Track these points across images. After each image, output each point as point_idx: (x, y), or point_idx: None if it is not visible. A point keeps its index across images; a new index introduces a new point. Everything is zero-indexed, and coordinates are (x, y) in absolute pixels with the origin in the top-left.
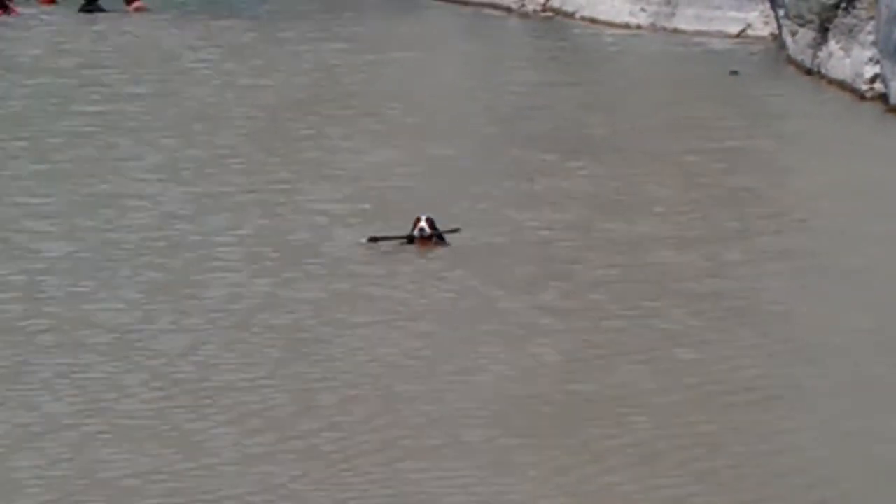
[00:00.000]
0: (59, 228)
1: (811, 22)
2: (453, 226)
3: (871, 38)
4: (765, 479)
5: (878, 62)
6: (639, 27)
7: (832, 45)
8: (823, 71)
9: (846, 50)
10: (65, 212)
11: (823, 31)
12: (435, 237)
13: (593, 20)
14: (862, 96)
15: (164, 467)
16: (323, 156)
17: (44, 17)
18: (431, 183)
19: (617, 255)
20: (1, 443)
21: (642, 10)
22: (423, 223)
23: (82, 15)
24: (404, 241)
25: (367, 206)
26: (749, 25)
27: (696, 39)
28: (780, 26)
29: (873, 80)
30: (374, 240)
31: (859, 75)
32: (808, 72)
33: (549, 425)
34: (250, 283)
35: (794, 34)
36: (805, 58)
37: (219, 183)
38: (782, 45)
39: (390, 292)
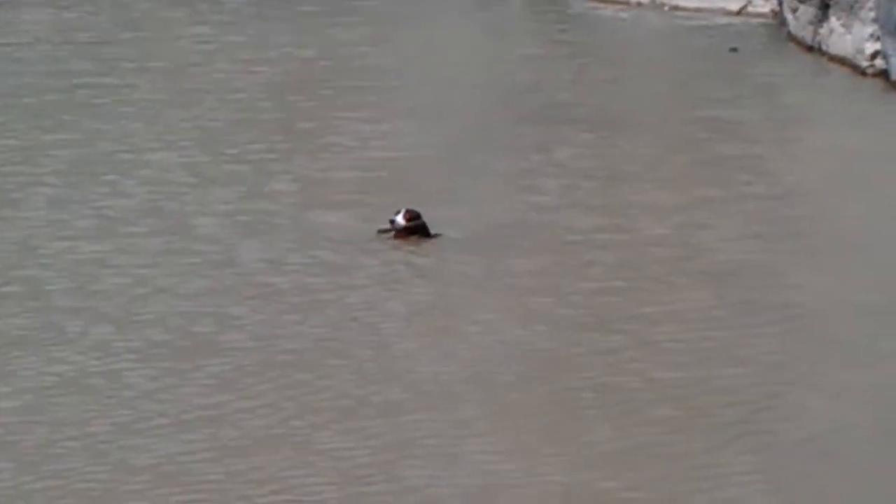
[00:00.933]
0: (58, 196)
1: None
2: (436, 232)
3: (871, 14)
4: (733, 429)
5: (878, 39)
6: (639, 3)
7: (833, 21)
8: (824, 48)
9: (847, 26)
10: (66, 181)
11: (824, 8)
12: (416, 232)
13: None
14: (863, 73)
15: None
16: (320, 129)
17: None
18: (427, 159)
19: (604, 223)
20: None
21: None
22: (398, 216)
23: None
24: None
25: (353, 175)
26: (749, 2)
27: (697, 16)
28: (780, 3)
29: (874, 56)
30: (382, 232)
31: (860, 52)
32: (809, 48)
33: (534, 383)
34: (244, 251)
35: (794, 11)
36: (806, 34)
37: (218, 154)
38: (783, 22)
39: (383, 257)
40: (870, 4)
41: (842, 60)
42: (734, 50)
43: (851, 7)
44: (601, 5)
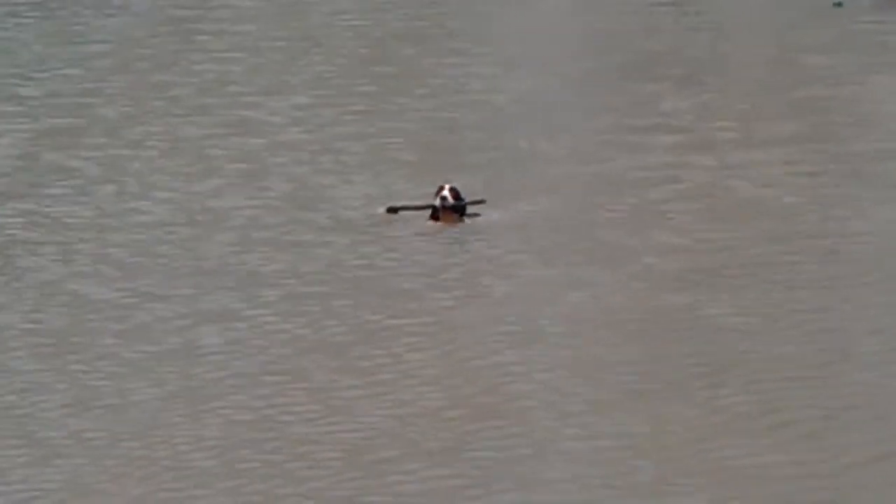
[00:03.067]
0: (162, 132)
1: None
2: (478, 197)
3: None
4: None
5: None
6: None
7: None
8: None
9: None
10: (168, 122)
11: None
12: (459, 211)
13: None
14: None
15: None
16: (414, 76)
17: None
18: (518, 112)
19: (683, 163)
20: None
21: None
22: (445, 192)
23: None
24: (429, 210)
25: (445, 119)
26: None
27: None
28: None
29: None
30: (393, 210)
31: None
32: None
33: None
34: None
35: None
36: None
37: (318, 97)
38: None
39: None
40: None
41: None
42: (838, 5)
43: None
44: None
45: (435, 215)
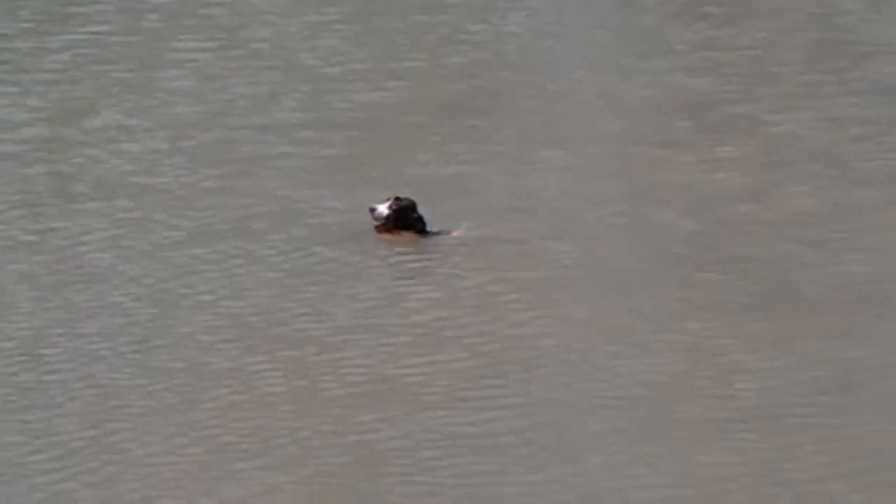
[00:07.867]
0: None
1: None
2: (467, 224)
3: None
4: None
5: None
6: None
7: None
8: None
9: None
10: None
11: None
12: (406, 226)
13: None
14: None
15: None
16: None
17: None
18: (537, 50)
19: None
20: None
21: None
22: (381, 207)
23: None
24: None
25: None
26: None
27: None
28: None
29: None
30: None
31: None
32: None
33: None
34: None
35: None
36: None
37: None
38: None
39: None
40: None
41: None
42: None
43: None
44: None
45: (381, 228)
